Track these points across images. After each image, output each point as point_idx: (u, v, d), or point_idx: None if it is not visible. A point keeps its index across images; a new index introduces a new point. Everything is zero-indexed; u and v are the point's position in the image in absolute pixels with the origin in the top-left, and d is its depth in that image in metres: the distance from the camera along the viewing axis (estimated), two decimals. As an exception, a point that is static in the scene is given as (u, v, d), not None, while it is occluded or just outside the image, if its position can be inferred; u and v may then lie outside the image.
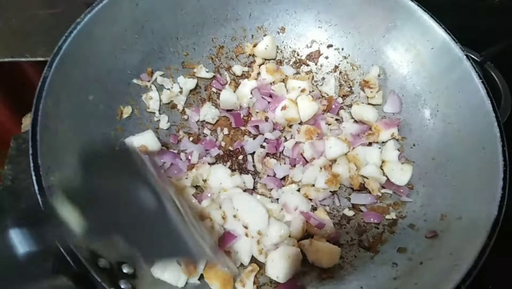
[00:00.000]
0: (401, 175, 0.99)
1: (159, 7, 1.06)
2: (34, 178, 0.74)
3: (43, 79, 0.84)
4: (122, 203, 0.59)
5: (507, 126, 1.11)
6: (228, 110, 1.13)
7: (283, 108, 1.08)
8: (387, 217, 0.97)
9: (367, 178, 1.02)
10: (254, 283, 0.87)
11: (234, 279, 0.86)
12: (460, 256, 0.78)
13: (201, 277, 0.86)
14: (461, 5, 1.38)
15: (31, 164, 0.75)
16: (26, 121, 1.34)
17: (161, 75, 1.11)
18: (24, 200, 1.10)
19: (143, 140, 0.98)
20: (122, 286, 0.74)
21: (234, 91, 1.14)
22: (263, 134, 1.09)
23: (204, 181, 1.00)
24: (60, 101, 0.86)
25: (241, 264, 0.91)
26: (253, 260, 0.92)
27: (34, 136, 0.78)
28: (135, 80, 1.07)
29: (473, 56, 1.30)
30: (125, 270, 0.78)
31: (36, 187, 0.73)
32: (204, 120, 1.11)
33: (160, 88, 1.11)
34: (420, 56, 1.06)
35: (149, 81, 1.09)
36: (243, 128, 1.11)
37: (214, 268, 0.84)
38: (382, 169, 1.02)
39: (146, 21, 1.05)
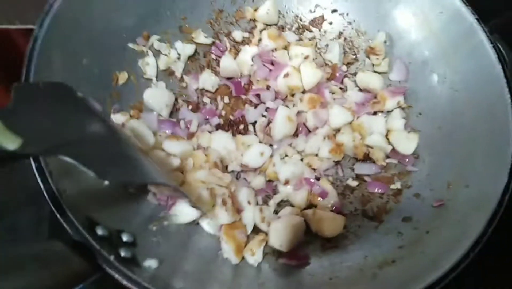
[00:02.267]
0: (407, 144, 0.97)
1: (155, -35, 1.00)
2: None
3: (34, 39, 0.79)
4: (65, 125, 0.62)
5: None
6: (228, 78, 1.08)
7: (286, 76, 1.03)
8: (392, 186, 0.95)
9: (372, 148, 0.99)
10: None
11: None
12: (469, 224, 0.76)
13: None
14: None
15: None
16: (15, 93, 1.28)
17: (157, 40, 1.06)
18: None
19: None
20: (122, 254, 0.71)
21: (235, 58, 1.09)
22: (264, 103, 1.05)
23: (206, 148, 0.97)
24: (52, 63, 0.81)
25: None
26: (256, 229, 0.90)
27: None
28: (130, 45, 1.01)
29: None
30: (124, 239, 0.75)
31: None
32: (203, 88, 1.07)
33: (157, 53, 1.06)
34: (429, 21, 1.01)
35: (145, 46, 1.04)
36: (244, 97, 1.07)
37: (233, 229, 0.85)
38: (387, 138, 0.99)
39: (141, -20, 0.99)
